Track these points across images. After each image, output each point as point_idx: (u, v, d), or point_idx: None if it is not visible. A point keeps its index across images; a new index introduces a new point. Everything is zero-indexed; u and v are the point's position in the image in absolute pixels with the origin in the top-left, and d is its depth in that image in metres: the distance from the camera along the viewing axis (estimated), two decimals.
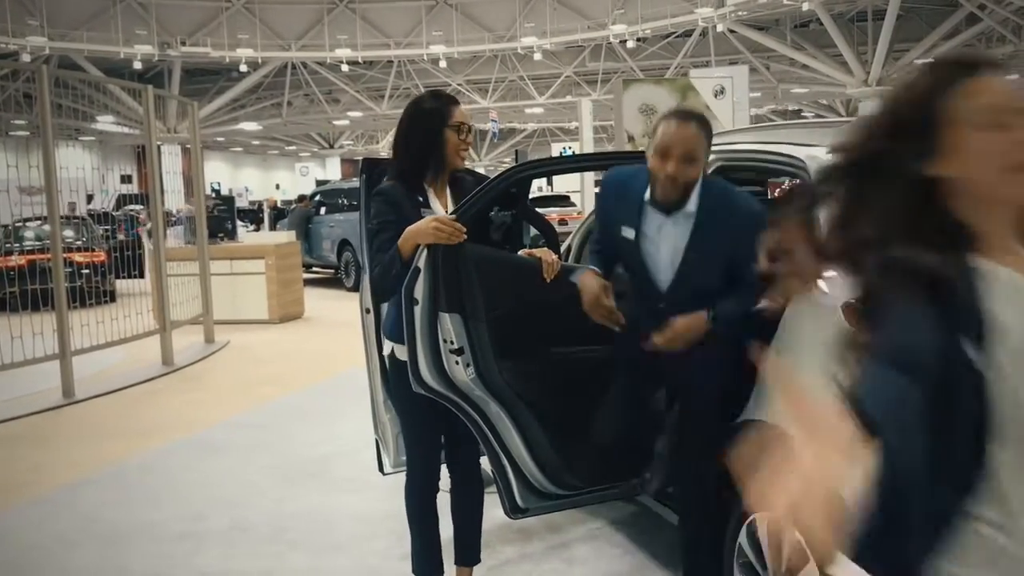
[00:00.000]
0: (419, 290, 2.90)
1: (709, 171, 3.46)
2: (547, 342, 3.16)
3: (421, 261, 2.88)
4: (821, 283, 1.53)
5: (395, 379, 3.15)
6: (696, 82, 9.38)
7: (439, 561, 3.29)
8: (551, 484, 3.20)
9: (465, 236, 2.85)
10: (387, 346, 3.18)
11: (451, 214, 2.91)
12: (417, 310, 2.91)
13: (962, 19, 27.01)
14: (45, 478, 5.37)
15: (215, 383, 8.21)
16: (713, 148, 3.51)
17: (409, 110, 3.05)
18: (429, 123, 2.96)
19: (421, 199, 2.99)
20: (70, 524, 4.55)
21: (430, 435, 3.19)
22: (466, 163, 3.09)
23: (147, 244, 12.43)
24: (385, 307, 3.38)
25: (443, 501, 3.28)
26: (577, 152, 18.36)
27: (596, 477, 3.30)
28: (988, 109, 1.28)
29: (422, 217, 2.95)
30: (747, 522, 2.71)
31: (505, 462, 3.12)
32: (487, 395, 3.02)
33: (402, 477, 3.30)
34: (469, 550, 3.34)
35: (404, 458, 3.46)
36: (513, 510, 3.20)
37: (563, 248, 4.25)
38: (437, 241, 2.84)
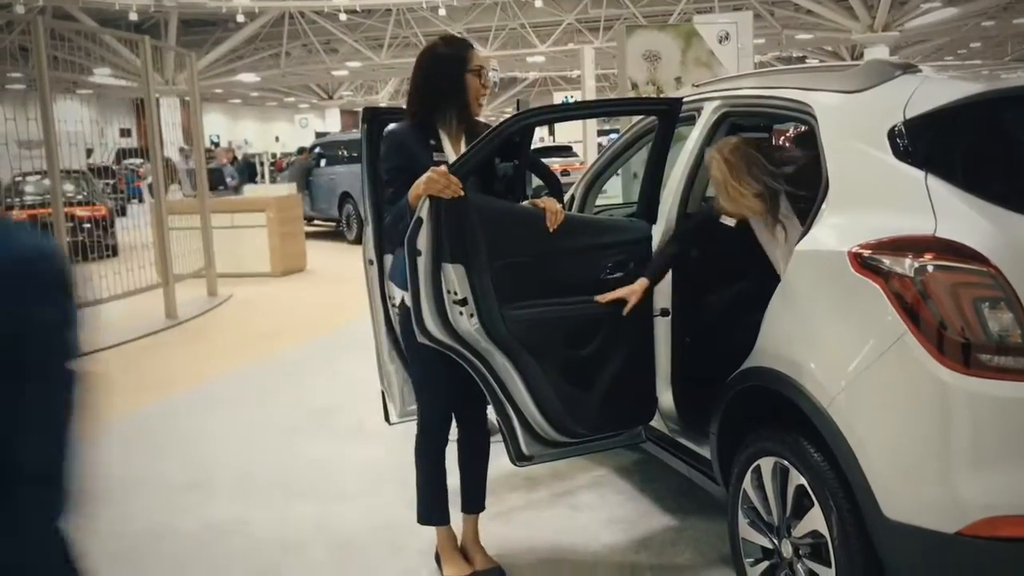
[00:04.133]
0: (422, 241, 2.88)
1: (713, 118, 3.42)
2: (551, 292, 3.14)
3: (423, 212, 2.86)
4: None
5: (407, 327, 3.15)
6: (700, 28, 9.23)
7: (446, 508, 3.31)
8: (555, 432, 3.21)
9: (462, 191, 2.83)
10: (398, 295, 3.17)
11: (449, 166, 2.89)
12: (420, 260, 2.89)
13: None
14: None
15: (219, 336, 8.24)
16: (717, 94, 3.48)
17: (426, 56, 3.06)
18: (449, 69, 2.99)
19: (433, 143, 3.02)
20: None
21: (441, 382, 3.19)
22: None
23: (148, 198, 12.39)
24: (389, 258, 3.36)
25: (449, 450, 3.30)
26: (579, 100, 18.16)
27: (600, 425, 3.31)
28: None
29: (435, 161, 2.96)
30: (751, 468, 2.72)
31: (510, 411, 3.12)
32: (491, 345, 3.01)
33: (407, 427, 3.32)
34: (475, 498, 3.36)
35: (410, 408, 3.47)
36: (518, 458, 3.21)
37: (566, 198, 4.22)
38: (429, 192, 2.82)
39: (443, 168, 2.83)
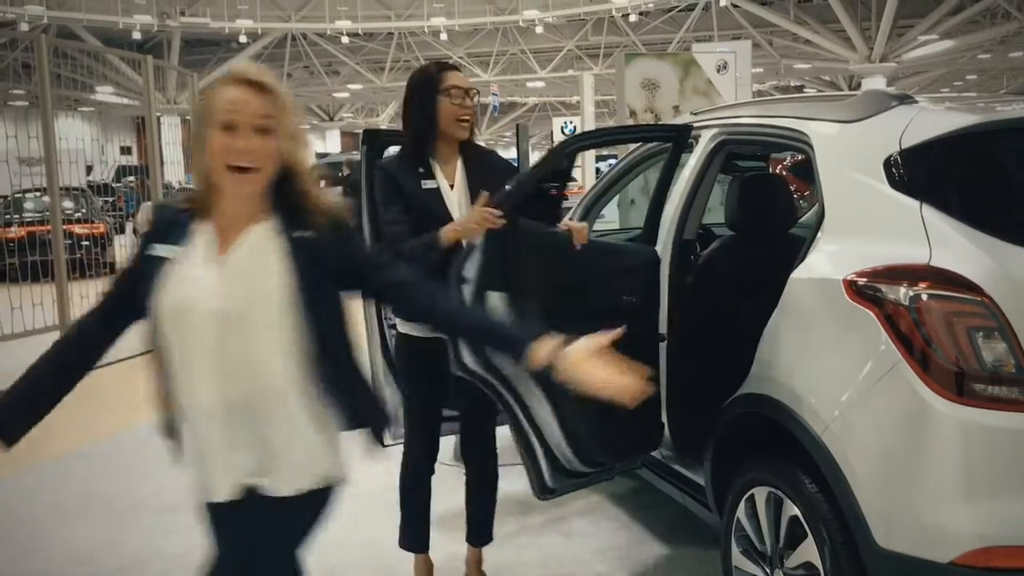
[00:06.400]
0: (470, 269, 2.82)
1: (711, 145, 3.44)
2: (582, 317, 3.09)
3: (477, 240, 2.81)
4: None
5: (401, 356, 3.13)
6: (699, 57, 9.30)
7: (426, 537, 3.28)
8: (580, 462, 3.12)
9: (506, 221, 2.76)
10: (399, 322, 3.13)
11: (495, 196, 2.81)
12: (466, 289, 2.85)
13: None
14: (41, 449, 5.36)
15: None
16: (715, 122, 3.49)
17: (409, 81, 3.03)
18: (423, 91, 2.93)
19: (423, 171, 2.95)
20: (66, 495, 4.56)
21: (430, 413, 3.17)
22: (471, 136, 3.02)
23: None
24: None
25: (437, 479, 3.28)
26: (578, 127, 18.24)
27: (622, 452, 3.26)
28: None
29: (423, 190, 2.92)
30: (745, 496, 2.71)
31: (535, 442, 3.03)
32: (527, 373, 2.95)
33: (399, 451, 3.30)
34: (481, 531, 3.33)
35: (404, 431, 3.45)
36: (542, 491, 3.10)
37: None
38: (484, 228, 2.75)
39: (484, 209, 2.76)
